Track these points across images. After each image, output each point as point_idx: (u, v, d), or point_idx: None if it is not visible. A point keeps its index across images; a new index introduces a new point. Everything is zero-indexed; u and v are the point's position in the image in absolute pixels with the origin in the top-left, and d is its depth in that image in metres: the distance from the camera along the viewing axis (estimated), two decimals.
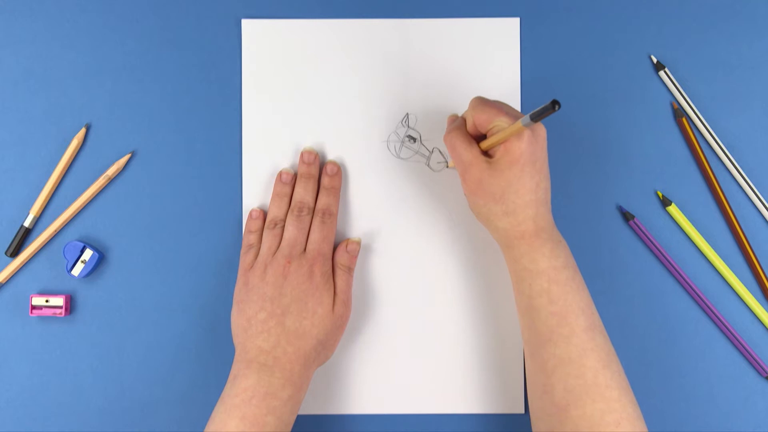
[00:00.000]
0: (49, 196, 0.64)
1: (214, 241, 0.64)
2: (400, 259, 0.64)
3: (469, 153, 0.56)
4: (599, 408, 0.52)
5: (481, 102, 0.56)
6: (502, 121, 0.54)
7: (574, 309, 0.54)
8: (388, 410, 0.63)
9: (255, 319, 0.58)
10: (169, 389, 0.63)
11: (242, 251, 0.62)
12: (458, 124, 0.58)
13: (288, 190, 0.63)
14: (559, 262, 0.55)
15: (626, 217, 0.64)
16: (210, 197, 0.64)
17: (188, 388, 0.63)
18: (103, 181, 0.64)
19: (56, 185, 0.64)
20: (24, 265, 0.64)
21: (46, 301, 0.63)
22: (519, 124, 0.51)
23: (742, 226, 0.64)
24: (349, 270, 0.62)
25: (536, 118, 0.49)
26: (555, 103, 0.47)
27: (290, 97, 0.64)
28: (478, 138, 0.58)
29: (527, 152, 0.54)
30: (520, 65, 0.64)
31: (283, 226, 0.61)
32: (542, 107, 0.48)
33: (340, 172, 0.64)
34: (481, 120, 0.55)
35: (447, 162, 0.64)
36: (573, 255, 0.64)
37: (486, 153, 0.56)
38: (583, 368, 0.53)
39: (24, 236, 0.63)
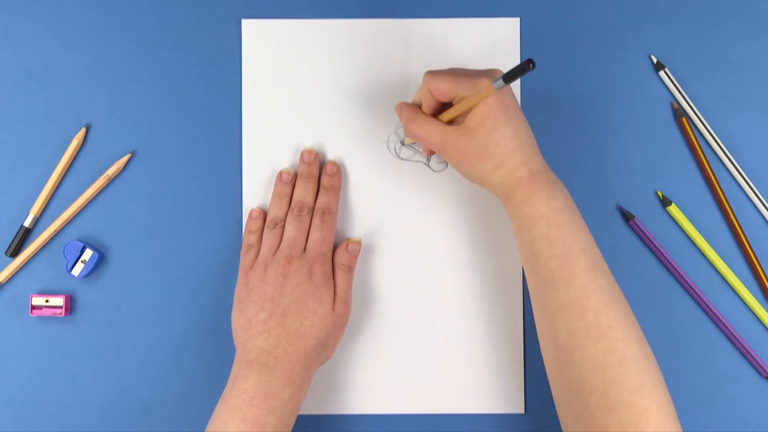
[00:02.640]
0: (49, 196, 0.64)
1: (214, 241, 0.64)
2: (400, 258, 0.64)
3: (435, 131, 0.56)
4: (601, 348, 0.51)
5: (434, 74, 0.56)
6: (462, 89, 0.54)
7: (575, 250, 0.53)
8: (389, 410, 0.63)
9: (255, 319, 0.58)
10: (169, 389, 0.63)
11: (242, 251, 0.62)
12: (409, 111, 0.58)
13: (288, 190, 0.63)
14: (557, 204, 0.54)
15: (626, 217, 0.64)
16: (210, 197, 0.64)
17: (188, 388, 0.63)
18: (103, 181, 0.64)
19: (56, 185, 0.64)
20: (24, 265, 0.64)
21: (46, 301, 0.63)
22: (490, 87, 0.50)
23: (742, 226, 0.64)
24: (350, 270, 0.62)
25: (509, 79, 0.48)
26: (530, 62, 0.45)
27: (290, 97, 0.64)
28: (438, 112, 0.57)
29: (495, 104, 0.53)
30: None
31: (284, 226, 0.61)
32: (517, 67, 0.46)
33: (339, 171, 0.64)
34: (439, 89, 0.55)
35: (447, 163, 0.64)
36: None
37: (452, 122, 0.56)
38: (583, 310, 0.52)
39: (24, 236, 0.63)
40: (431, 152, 0.63)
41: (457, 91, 0.54)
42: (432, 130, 0.56)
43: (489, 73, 0.54)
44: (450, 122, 0.56)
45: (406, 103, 0.60)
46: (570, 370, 0.52)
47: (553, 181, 0.55)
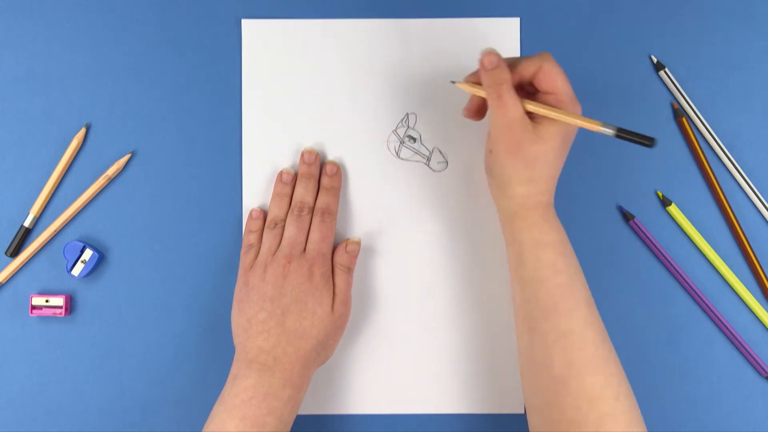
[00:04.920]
0: (49, 196, 0.64)
1: (214, 241, 0.64)
2: (399, 259, 0.64)
3: (518, 110, 0.52)
4: (599, 381, 0.52)
5: (554, 62, 0.53)
6: (567, 93, 0.53)
7: (580, 281, 0.54)
8: (388, 410, 0.63)
9: (255, 319, 0.58)
10: (169, 389, 0.63)
11: (242, 251, 0.62)
12: (507, 74, 0.52)
13: (288, 190, 0.63)
14: (564, 236, 0.55)
15: (626, 217, 0.64)
16: (210, 197, 0.64)
17: (188, 388, 0.63)
18: (103, 181, 0.64)
19: (56, 185, 0.64)
20: (24, 265, 0.64)
21: (46, 301, 0.63)
22: (598, 125, 0.50)
23: (742, 226, 0.64)
24: (349, 270, 0.62)
25: (622, 136, 0.48)
26: (653, 140, 0.46)
27: (290, 97, 0.64)
28: (518, 88, 0.54)
29: (573, 132, 0.54)
30: None
31: (284, 226, 0.61)
32: (639, 135, 0.47)
33: (339, 172, 0.64)
34: (550, 80, 0.53)
35: (447, 163, 0.64)
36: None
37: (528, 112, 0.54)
38: (584, 341, 0.52)
39: (24, 236, 0.63)
40: (477, 115, 0.59)
41: (560, 96, 0.53)
42: (517, 103, 0.52)
43: (578, 105, 0.54)
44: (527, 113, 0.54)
45: (503, 60, 0.52)
46: (564, 401, 0.52)
47: (555, 213, 0.56)
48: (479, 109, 0.59)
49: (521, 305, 0.55)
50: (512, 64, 0.54)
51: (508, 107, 0.52)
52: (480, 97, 0.57)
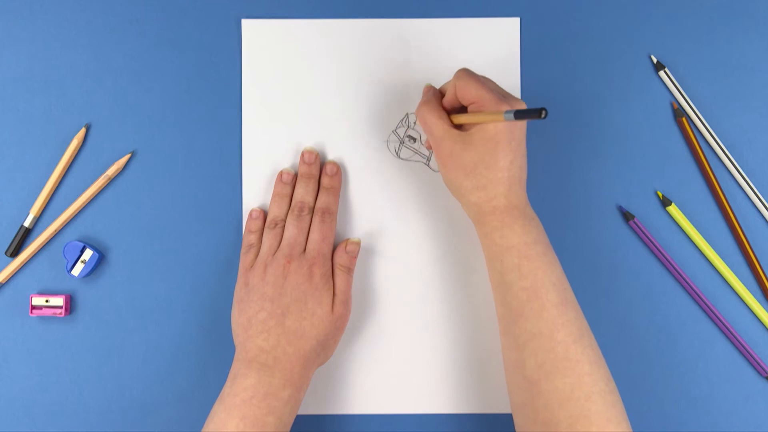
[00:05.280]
0: (49, 196, 0.64)
1: (214, 241, 0.64)
2: (399, 259, 0.64)
3: (441, 126, 0.56)
4: (569, 382, 0.52)
5: (467, 74, 0.56)
6: (484, 102, 0.54)
7: (545, 284, 0.54)
8: (388, 410, 0.63)
9: (255, 319, 0.58)
10: (169, 389, 0.63)
11: (242, 251, 0.62)
12: (430, 96, 0.59)
13: (288, 190, 0.63)
14: (530, 238, 0.55)
15: (626, 217, 0.64)
16: (210, 197, 0.64)
17: (188, 388, 0.63)
18: (103, 181, 0.64)
19: (56, 185, 0.64)
20: (24, 265, 0.64)
21: (46, 301, 0.63)
22: (500, 115, 0.51)
23: (742, 226, 0.64)
24: (349, 270, 0.62)
25: (519, 117, 0.48)
26: (542, 111, 0.46)
27: (290, 97, 0.64)
28: (455, 110, 0.58)
29: (504, 130, 0.54)
30: (520, 65, 0.64)
31: (284, 226, 0.61)
32: (529, 109, 0.47)
33: (339, 172, 0.64)
34: (465, 93, 0.55)
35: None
36: (573, 255, 0.64)
37: (459, 126, 0.56)
38: (553, 342, 0.53)
39: (24, 236, 0.63)
40: (430, 146, 0.63)
41: (479, 102, 0.54)
42: (437, 122, 0.56)
43: (512, 101, 0.54)
44: (458, 126, 0.56)
45: (432, 87, 0.61)
46: (537, 402, 0.52)
47: (529, 216, 0.56)
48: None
49: (497, 308, 0.57)
50: (442, 89, 0.60)
51: (431, 127, 0.57)
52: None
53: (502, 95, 0.54)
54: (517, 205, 0.55)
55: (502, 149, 0.54)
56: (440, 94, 0.60)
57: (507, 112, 0.50)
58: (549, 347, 0.53)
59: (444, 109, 0.58)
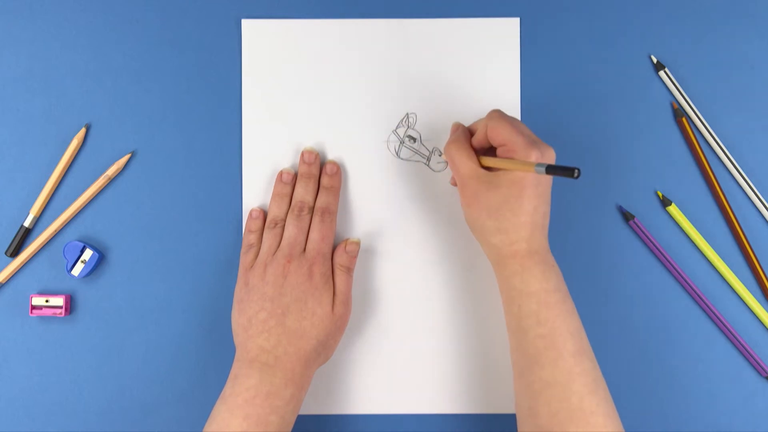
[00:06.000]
0: (49, 196, 0.64)
1: (214, 241, 0.64)
2: (400, 259, 0.64)
3: (468, 166, 0.56)
4: None
5: (500, 116, 0.56)
6: (515, 148, 0.53)
7: (563, 332, 0.54)
8: (389, 410, 0.63)
9: (255, 319, 0.58)
10: (169, 389, 0.63)
11: (242, 251, 0.62)
12: (459, 135, 0.59)
13: (288, 189, 0.63)
14: (550, 285, 0.54)
15: (626, 217, 0.64)
16: (210, 197, 0.64)
17: (188, 388, 0.63)
18: (103, 181, 0.64)
19: (56, 185, 0.64)
20: (24, 265, 0.64)
21: (46, 301, 0.63)
22: (531, 166, 0.50)
23: (742, 226, 0.64)
24: (349, 270, 0.62)
25: (550, 172, 0.48)
26: (575, 170, 0.46)
27: (290, 97, 0.64)
28: (484, 150, 0.58)
29: (531, 176, 0.54)
30: (520, 65, 0.64)
31: (284, 225, 0.61)
32: (561, 166, 0.47)
33: (339, 171, 0.64)
34: (496, 134, 0.55)
35: (446, 163, 0.64)
36: (573, 255, 0.64)
37: (486, 166, 0.56)
38: (568, 392, 0.52)
39: (24, 236, 0.63)
40: (455, 182, 0.62)
41: (509, 145, 0.54)
42: (467, 162, 0.56)
43: (542, 148, 0.54)
44: (486, 168, 0.56)
45: (461, 125, 0.61)
46: None
47: (550, 263, 0.56)
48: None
49: (511, 351, 0.56)
50: (471, 128, 0.60)
51: (459, 166, 0.57)
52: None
53: (533, 141, 0.54)
54: (537, 251, 0.55)
55: (528, 194, 0.54)
56: (469, 132, 0.60)
57: (539, 165, 0.49)
58: (564, 397, 0.52)
59: (472, 148, 0.58)
